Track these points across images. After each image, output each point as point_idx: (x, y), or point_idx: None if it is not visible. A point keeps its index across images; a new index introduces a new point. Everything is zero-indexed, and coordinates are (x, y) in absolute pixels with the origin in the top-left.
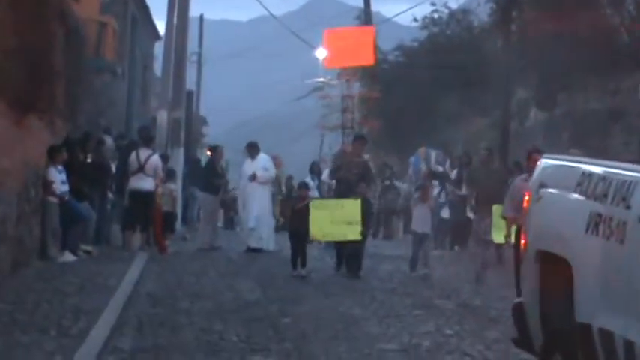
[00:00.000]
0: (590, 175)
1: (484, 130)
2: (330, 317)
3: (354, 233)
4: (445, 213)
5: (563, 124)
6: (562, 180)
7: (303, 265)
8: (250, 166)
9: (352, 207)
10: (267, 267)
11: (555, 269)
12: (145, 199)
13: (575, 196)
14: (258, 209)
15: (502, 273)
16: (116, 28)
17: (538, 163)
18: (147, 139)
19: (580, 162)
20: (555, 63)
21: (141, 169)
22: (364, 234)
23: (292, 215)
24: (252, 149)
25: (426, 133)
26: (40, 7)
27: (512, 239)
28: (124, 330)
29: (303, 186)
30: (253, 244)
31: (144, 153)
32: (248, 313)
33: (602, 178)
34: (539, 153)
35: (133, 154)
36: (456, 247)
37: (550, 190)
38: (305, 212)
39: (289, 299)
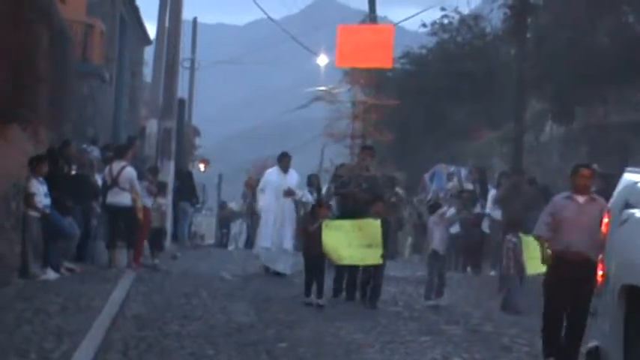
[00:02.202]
0: None
1: (495, 143)
2: (330, 343)
3: (374, 257)
4: (454, 228)
5: (582, 138)
6: None
7: (320, 294)
8: (283, 180)
9: (372, 228)
10: (263, 289)
11: None
12: (122, 214)
13: None
14: (290, 230)
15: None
16: (104, 31)
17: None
18: (119, 150)
19: None
20: (573, 73)
21: (114, 182)
22: (384, 257)
23: (308, 237)
24: (287, 161)
25: (433, 146)
26: (22, 7)
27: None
28: (108, 354)
29: (322, 203)
30: (280, 268)
31: (116, 166)
32: (241, 337)
33: None
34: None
35: (107, 168)
36: (469, 269)
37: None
38: (321, 233)
39: (286, 323)
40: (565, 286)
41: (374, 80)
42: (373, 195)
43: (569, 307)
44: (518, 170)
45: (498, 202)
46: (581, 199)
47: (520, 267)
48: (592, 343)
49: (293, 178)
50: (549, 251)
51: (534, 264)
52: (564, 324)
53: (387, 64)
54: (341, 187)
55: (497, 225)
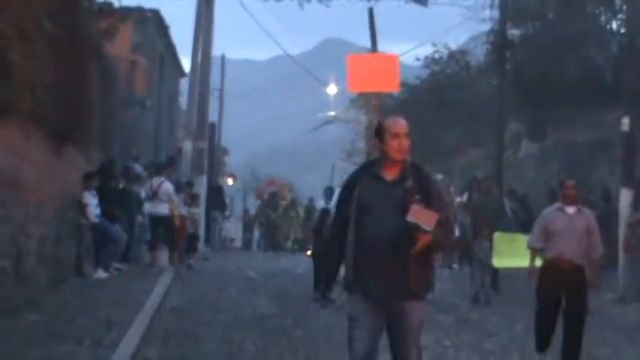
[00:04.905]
0: None
1: (480, 160)
2: (341, 329)
3: None
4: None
5: (553, 155)
6: None
7: (330, 289)
8: None
9: None
10: (284, 285)
11: None
12: (162, 221)
13: None
14: None
15: (498, 293)
16: (145, 66)
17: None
18: (157, 167)
19: None
20: (545, 99)
21: (155, 195)
22: None
23: (318, 240)
24: None
25: (427, 163)
26: (77, 47)
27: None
28: (151, 340)
29: (327, 213)
30: None
31: (156, 181)
32: (264, 326)
33: None
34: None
35: (147, 183)
36: (454, 266)
37: None
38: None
39: (302, 314)
40: (557, 292)
41: (376, 105)
42: None
43: (566, 313)
44: (489, 178)
45: (466, 208)
46: (570, 210)
47: (487, 260)
48: None
49: None
50: (537, 263)
51: (499, 259)
52: (554, 329)
53: (394, 89)
54: None
55: (466, 229)
